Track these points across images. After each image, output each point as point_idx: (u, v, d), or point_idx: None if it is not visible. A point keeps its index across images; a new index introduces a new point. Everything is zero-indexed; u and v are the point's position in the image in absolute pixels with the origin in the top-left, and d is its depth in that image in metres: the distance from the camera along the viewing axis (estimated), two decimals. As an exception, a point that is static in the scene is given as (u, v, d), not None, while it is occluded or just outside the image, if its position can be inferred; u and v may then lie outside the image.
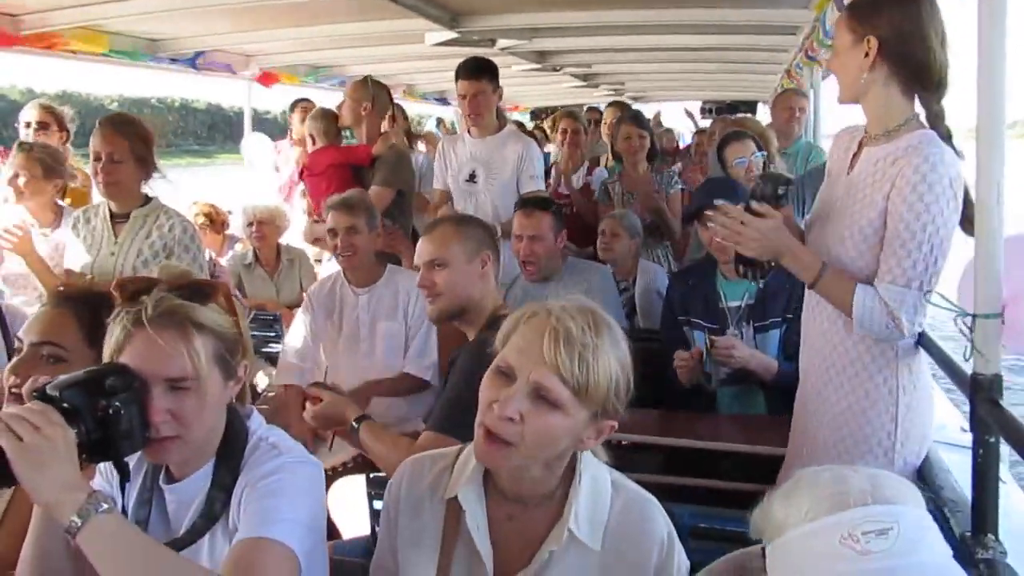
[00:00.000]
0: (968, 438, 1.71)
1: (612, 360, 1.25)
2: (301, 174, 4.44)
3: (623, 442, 2.64)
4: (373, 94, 4.11)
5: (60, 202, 3.52)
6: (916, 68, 1.78)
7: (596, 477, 1.33)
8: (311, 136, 4.36)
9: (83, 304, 1.59)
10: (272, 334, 3.96)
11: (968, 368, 1.69)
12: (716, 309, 2.82)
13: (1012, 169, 1.67)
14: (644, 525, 1.31)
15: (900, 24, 1.76)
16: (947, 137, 1.79)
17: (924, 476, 1.95)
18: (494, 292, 2.31)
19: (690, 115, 9.27)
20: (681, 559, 1.33)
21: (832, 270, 1.86)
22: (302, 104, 5.52)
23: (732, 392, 2.83)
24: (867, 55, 1.79)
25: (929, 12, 1.77)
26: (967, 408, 1.73)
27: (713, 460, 2.53)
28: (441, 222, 2.39)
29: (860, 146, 1.92)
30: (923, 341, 1.96)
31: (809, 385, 2.07)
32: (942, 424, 2.65)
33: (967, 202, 1.75)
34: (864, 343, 1.88)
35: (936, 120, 1.81)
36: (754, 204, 1.89)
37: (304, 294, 3.41)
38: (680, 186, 4.43)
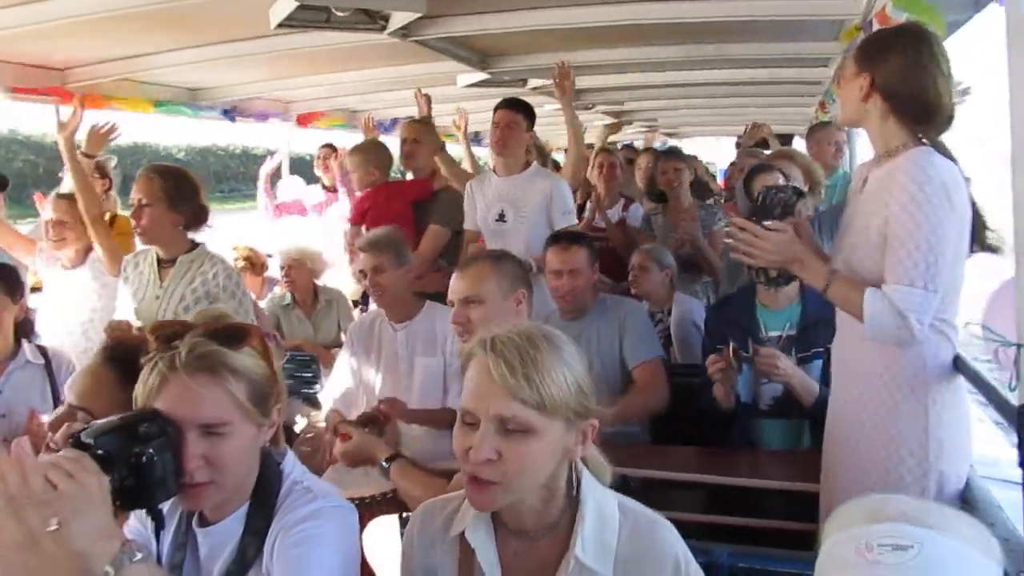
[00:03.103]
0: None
1: (559, 365, 1.25)
2: (364, 215, 4.18)
3: (661, 480, 2.60)
4: (420, 131, 4.21)
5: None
6: (911, 107, 1.88)
7: (601, 502, 1.32)
8: (362, 171, 4.27)
9: (124, 364, 1.57)
10: (309, 375, 3.98)
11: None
12: (756, 339, 2.77)
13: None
14: (656, 547, 1.29)
15: (896, 69, 1.87)
16: (951, 159, 1.86)
17: (972, 512, 1.87)
18: None
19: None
20: None
21: (842, 276, 1.94)
22: (326, 150, 5.74)
23: (775, 426, 2.77)
24: (862, 88, 1.92)
25: (930, 58, 1.85)
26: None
27: (756, 498, 2.47)
28: (477, 259, 2.36)
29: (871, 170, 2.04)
30: (961, 368, 1.93)
31: (840, 409, 2.09)
32: (995, 459, 2.55)
33: (976, 223, 1.86)
34: (892, 356, 1.91)
35: (938, 149, 1.88)
36: (767, 223, 2.00)
37: (345, 332, 3.41)
38: (724, 223, 4.40)
